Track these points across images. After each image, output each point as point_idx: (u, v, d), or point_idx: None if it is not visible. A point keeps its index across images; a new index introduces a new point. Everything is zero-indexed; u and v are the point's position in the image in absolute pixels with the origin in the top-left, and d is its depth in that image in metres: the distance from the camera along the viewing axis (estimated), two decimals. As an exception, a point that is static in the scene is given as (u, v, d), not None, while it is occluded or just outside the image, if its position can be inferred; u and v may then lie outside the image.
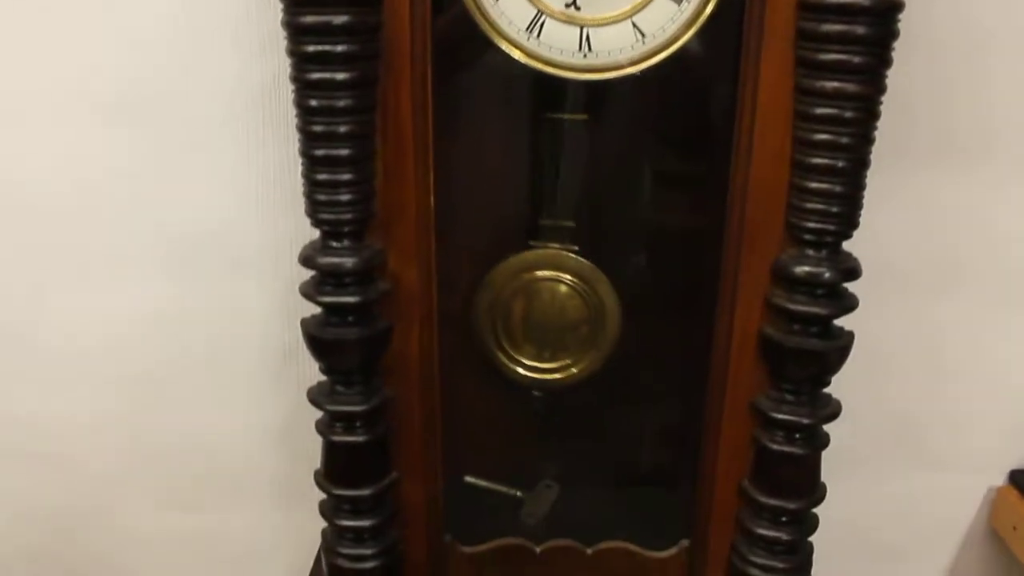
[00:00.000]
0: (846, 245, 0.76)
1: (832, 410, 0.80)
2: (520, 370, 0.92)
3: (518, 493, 0.98)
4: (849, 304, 0.77)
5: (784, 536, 0.84)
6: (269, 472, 1.07)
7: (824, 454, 0.84)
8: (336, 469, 0.82)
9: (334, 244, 0.75)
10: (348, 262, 0.74)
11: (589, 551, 0.88)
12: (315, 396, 0.80)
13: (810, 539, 0.86)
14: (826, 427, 0.83)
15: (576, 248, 0.87)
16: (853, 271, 0.76)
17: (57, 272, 1.01)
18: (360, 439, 0.80)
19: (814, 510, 0.85)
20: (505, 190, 0.90)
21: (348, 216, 0.73)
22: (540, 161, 0.87)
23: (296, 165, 0.74)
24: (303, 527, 0.93)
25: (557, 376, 0.92)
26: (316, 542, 0.91)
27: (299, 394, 0.99)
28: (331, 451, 0.82)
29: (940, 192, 0.98)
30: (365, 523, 0.83)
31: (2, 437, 1.09)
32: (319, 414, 0.81)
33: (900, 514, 1.09)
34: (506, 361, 0.91)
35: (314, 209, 0.74)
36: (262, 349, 1.02)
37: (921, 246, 1.00)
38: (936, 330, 1.03)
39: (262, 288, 1.00)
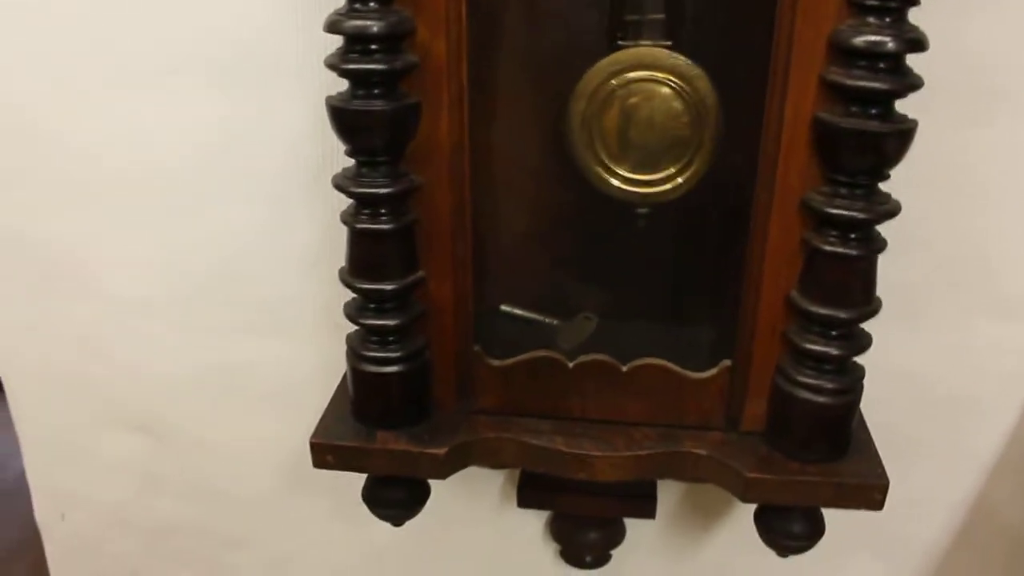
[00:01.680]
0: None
1: (890, 207, 0.74)
2: (618, 183, 0.85)
3: (555, 322, 0.94)
4: (913, 82, 0.70)
5: (833, 351, 0.78)
6: (302, 300, 1.04)
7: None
8: (360, 261, 0.79)
9: (359, 6, 0.71)
10: (374, 26, 0.70)
11: (624, 368, 0.84)
12: (339, 181, 0.77)
13: (860, 360, 0.81)
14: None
15: (669, 44, 0.81)
16: (919, 42, 0.69)
17: (83, 83, 0.97)
18: (385, 227, 0.77)
19: (864, 326, 0.79)
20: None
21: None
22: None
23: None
24: (337, 358, 0.90)
25: (663, 188, 0.85)
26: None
27: (331, 216, 0.97)
28: (355, 241, 0.79)
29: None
30: (390, 322, 0.81)
31: (23, 258, 1.07)
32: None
33: (969, 365, 1.00)
34: (606, 175, 0.85)
35: None
36: (294, 167, 0.99)
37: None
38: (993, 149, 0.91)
39: (293, 102, 0.96)
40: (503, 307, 0.95)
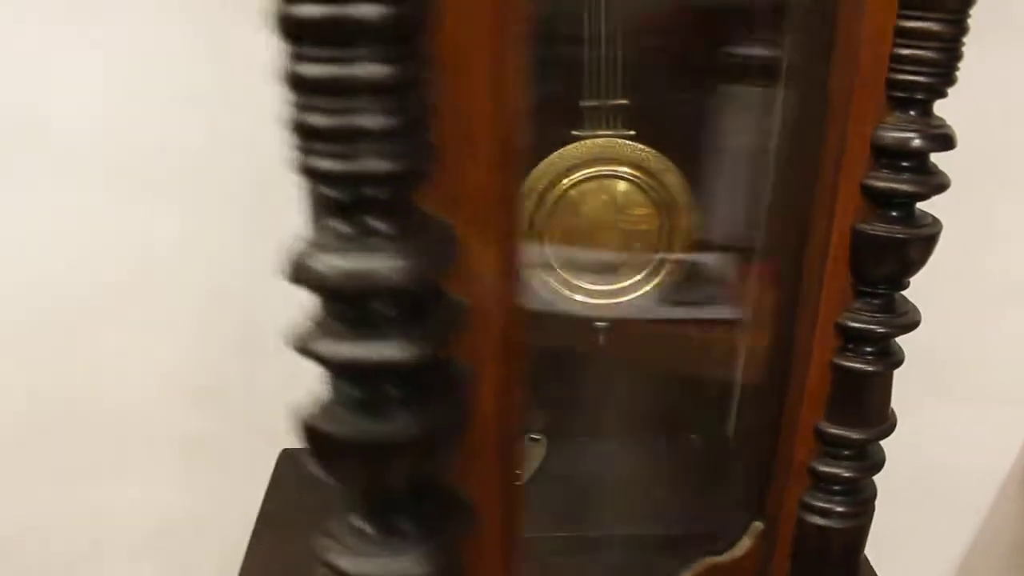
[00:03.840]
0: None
1: (910, 319, 0.65)
2: (579, 297, 0.74)
3: None
4: (939, 182, 0.61)
5: (844, 473, 0.69)
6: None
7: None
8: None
9: (368, 220, 0.33)
10: (395, 269, 0.34)
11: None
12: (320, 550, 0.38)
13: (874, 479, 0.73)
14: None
15: (632, 133, 0.70)
16: (947, 139, 0.60)
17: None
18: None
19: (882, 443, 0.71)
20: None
21: (390, 166, 0.33)
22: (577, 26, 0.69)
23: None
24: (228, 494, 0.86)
25: (628, 297, 0.74)
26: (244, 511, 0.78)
27: (221, 329, 0.88)
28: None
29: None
30: None
31: None
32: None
33: (931, 453, 0.96)
34: (560, 288, 0.73)
35: (307, 155, 0.32)
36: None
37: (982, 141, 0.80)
38: (989, 240, 0.88)
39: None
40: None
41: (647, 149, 0.70)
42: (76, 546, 0.96)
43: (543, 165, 0.70)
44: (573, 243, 0.72)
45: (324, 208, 0.33)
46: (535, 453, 0.80)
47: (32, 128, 0.81)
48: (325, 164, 0.32)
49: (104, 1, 0.78)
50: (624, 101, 0.68)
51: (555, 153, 0.70)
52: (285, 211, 0.80)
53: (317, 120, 0.31)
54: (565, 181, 0.70)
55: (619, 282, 0.73)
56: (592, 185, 0.71)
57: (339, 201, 0.33)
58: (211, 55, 0.80)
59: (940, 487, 1.02)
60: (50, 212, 0.84)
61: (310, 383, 0.91)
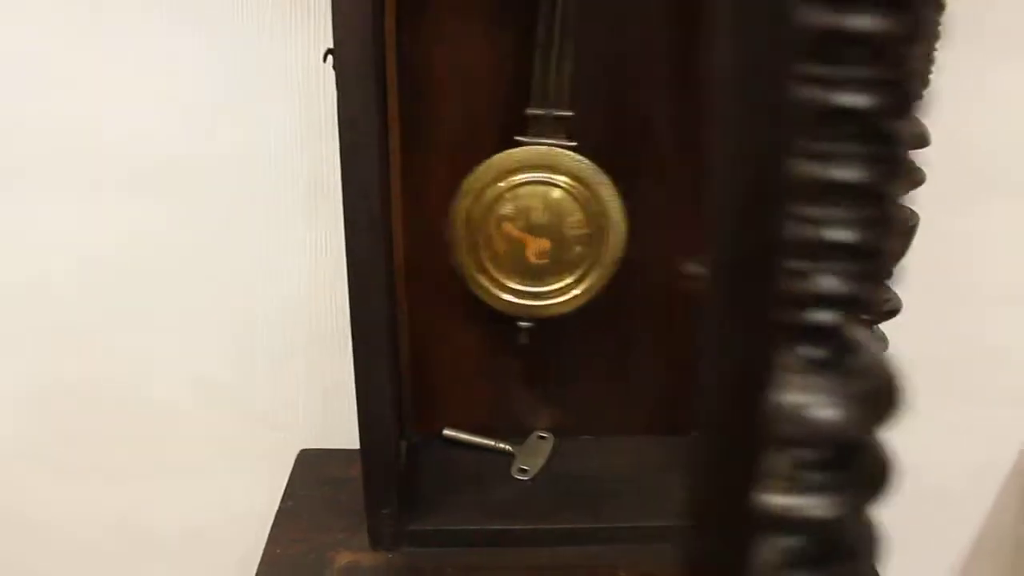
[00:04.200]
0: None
1: (892, 306, 0.69)
2: (506, 296, 0.76)
3: (507, 447, 0.85)
4: (917, 178, 0.65)
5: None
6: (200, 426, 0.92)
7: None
8: None
9: (811, 350, 0.26)
10: (842, 410, 0.27)
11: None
12: None
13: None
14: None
15: (574, 144, 0.72)
16: (922, 137, 0.64)
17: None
18: None
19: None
20: (484, 73, 0.74)
21: (856, 288, 0.26)
22: (528, 37, 0.70)
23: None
24: (247, 492, 0.88)
25: (553, 301, 0.75)
26: (262, 510, 0.81)
27: (242, 329, 0.90)
28: None
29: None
30: None
31: None
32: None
33: (931, 453, 0.88)
34: (489, 286, 0.75)
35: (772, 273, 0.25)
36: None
37: (981, 145, 0.84)
38: (976, 242, 0.88)
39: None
40: (446, 432, 0.85)
41: (585, 161, 0.71)
42: (100, 542, 0.97)
43: (483, 166, 0.72)
44: (505, 244, 0.73)
45: (759, 332, 0.25)
46: (543, 448, 0.84)
47: (49, 135, 0.83)
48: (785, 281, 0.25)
49: (120, 11, 0.79)
50: (569, 113, 0.69)
51: (496, 156, 0.71)
52: (308, 218, 0.83)
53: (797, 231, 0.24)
54: (502, 183, 0.71)
55: (546, 285, 0.74)
56: (528, 190, 0.72)
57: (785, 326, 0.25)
58: (227, 64, 0.82)
59: (940, 487, 0.97)
60: (81, 214, 0.84)
61: (328, 384, 0.89)
